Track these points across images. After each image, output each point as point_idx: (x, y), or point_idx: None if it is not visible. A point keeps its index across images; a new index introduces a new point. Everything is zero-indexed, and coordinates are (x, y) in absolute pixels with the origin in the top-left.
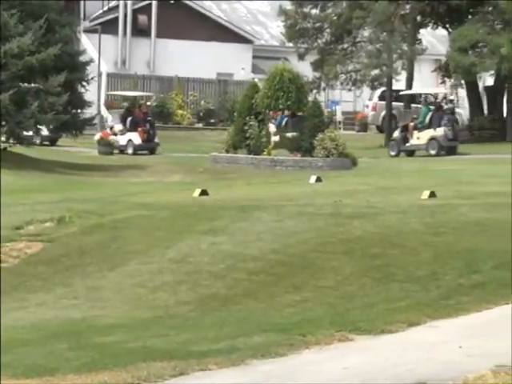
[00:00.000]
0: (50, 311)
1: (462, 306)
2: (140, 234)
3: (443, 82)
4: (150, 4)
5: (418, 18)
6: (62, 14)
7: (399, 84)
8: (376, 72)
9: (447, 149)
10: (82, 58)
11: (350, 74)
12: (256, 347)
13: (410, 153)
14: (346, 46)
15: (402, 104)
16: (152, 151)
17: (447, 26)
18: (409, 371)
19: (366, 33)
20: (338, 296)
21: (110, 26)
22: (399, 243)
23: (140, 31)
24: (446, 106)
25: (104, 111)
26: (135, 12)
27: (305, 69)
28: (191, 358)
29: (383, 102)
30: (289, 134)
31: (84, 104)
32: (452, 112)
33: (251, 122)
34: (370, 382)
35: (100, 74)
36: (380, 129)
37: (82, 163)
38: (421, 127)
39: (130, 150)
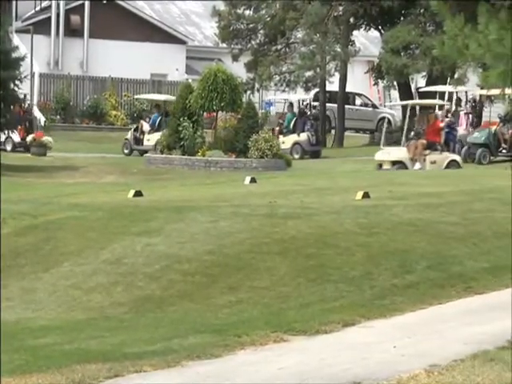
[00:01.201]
0: None
1: (396, 306)
2: (74, 235)
3: (376, 84)
4: (83, 4)
5: (351, 19)
6: None
7: (333, 85)
8: (310, 73)
9: (310, 153)
10: (15, 55)
11: (283, 75)
12: (191, 348)
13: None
14: (279, 47)
15: (335, 105)
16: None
17: (380, 27)
18: (344, 371)
19: (299, 34)
20: (273, 296)
21: (42, 26)
22: (333, 243)
23: (73, 31)
24: (309, 112)
25: (37, 111)
26: (68, 12)
27: (239, 70)
28: (126, 360)
29: (317, 103)
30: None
31: (17, 101)
32: (315, 118)
33: (185, 123)
34: (306, 383)
35: (33, 75)
36: None
37: (14, 164)
38: (286, 132)
39: (8, 147)
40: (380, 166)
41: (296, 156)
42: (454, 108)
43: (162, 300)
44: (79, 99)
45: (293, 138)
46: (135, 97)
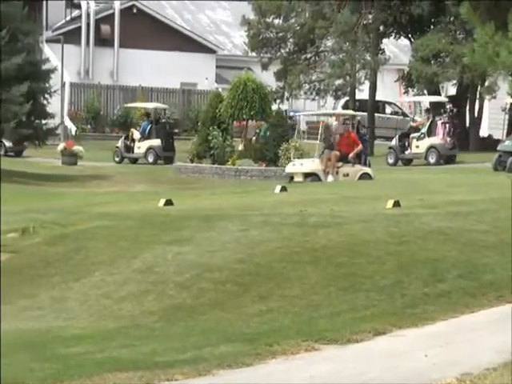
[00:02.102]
0: (15, 322)
1: (427, 315)
2: (104, 245)
3: (406, 92)
4: (113, 14)
5: (381, 28)
6: (25, 22)
7: (362, 94)
8: (339, 82)
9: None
10: (45, 67)
11: (313, 84)
12: (222, 357)
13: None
14: (309, 55)
15: (365, 114)
16: None
17: (410, 35)
18: (375, 380)
19: (329, 43)
20: (304, 305)
21: (72, 36)
22: (364, 252)
23: (103, 41)
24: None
25: (68, 121)
26: (98, 22)
27: (268, 78)
28: (157, 369)
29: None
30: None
31: (46, 115)
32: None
33: (215, 132)
34: None
35: (63, 84)
36: None
37: (45, 173)
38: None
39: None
40: (291, 178)
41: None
42: (431, 118)
43: (192, 309)
44: (109, 108)
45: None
46: (124, 105)
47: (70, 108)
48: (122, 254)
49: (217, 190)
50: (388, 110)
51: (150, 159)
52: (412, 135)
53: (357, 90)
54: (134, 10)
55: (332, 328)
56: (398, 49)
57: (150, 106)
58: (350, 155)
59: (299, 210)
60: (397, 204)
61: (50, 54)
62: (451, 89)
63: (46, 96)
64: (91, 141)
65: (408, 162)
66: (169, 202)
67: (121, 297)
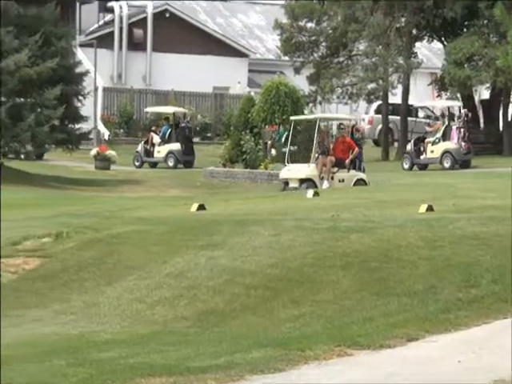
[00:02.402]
0: (48, 327)
1: (460, 321)
2: (137, 249)
3: (439, 96)
4: (146, 18)
5: (414, 31)
6: (58, 25)
7: (395, 97)
8: (372, 86)
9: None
10: (78, 70)
11: (346, 88)
12: (255, 362)
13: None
14: (341, 59)
15: (398, 118)
16: None
17: (443, 39)
18: None
19: (361, 46)
20: (336, 310)
21: (105, 40)
22: (397, 257)
23: (136, 45)
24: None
25: (101, 125)
26: (131, 26)
27: (301, 82)
28: (190, 374)
29: (379, 116)
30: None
31: (80, 119)
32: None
33: (247, 137)
34: None
35: (96, 88)
36: (376, 142)
37: (78, 178)
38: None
39: None
40: (286, 184)
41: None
42: (446, 122)
43: (225, 314)
44: (142, 113)
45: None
46: (145, 110)
47: (103, 112)
48: (155, 259)
49: (249, 195)
50: (421, 113)
51: (170, 163)
52: (427, 140)
53: (389, 94)
54: (167, 14)
55: (364, 333)
56: (430, 52)
57: (170, 110)
58: (347, 160)
59: (331, 215)
60: (430, 208)
61: (83, 58)
62: (484, 92)
63: (80, 98)
64: (124, 145)
65: (424, 166)
66: (201, 207)
67: (153, 301)
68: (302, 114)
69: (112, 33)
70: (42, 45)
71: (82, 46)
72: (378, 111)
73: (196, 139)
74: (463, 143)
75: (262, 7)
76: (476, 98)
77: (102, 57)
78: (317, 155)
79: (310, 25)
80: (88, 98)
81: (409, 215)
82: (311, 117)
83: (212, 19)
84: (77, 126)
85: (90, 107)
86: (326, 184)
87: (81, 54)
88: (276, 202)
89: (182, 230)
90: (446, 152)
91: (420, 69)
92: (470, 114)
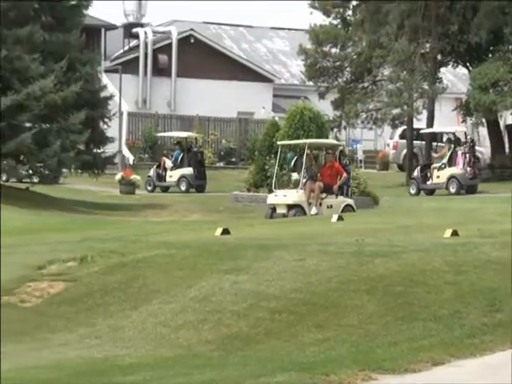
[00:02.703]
0: (73, 351)
1: (485, 345)
2: (162, 273)
3: (464, 121)
4: (171, 44)
5: (439, 56)
6: (83, 51)
7: (420, 123)
8: (397, 111)
9: None
10: (103, 94)
11: (370, 113)
12: None
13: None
14: (366, 84)
15: (423, 142)
16: None
17: (467, 64)
18: None
19: (386, 71)
20: (361, 335)
21: (130, 66)
22: (422, 282)
23: (160, 71)
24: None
25: (125, 150)
26: (155, 52)
27: (325, 107)
28: None
29: (404, 141)
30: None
31: (106, 141)
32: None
33: (271, 161)
34: None
35: (121, 113)
36: (401, 167)
37: (103, 202)
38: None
39: None
40: (273, 209)
41: None
42: (452, 148)
43: (249, 338)
44: (167, 138)
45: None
46: (158, 134)
47: (128, 137)
48: (180, 283)
49: (273, 220)
50: (446, 138)
51: (183, 187)
52: (433, 166)
53: (414, 119)
54: (192, 40)
55: (389, 357)
56: (455, 77)
57: (183, 134)
58: (335, 186)
59: (355, 239)
60: (455, 233)
61: (108, 83)
62: (510, 117)
63: (105, 121)
64: (148, 170)
65: (430, 192)
66: (225, 231)
67: (178, 325)
68: (326, 138)
69: (137, 58)
70: (66, 70)
71: (107, 71)
72: (402, 136)
73: (220, 164)
74: (469, 168)
75: (287, 33)
76: (501, 123)
77: (127, 82)
78: (304, 180)
79: (334, 50)
80: (113, 119)
81: (433, 240)
82: (299, 142)
83: (237, 45)
84: (102, 150)
85: (115, 130)
86: (314, 210)
87: (106, 79)
88: (300, 226)
89: (207, 254)
90: (451, 177)
91: (445, 94)
92: (475, 140)
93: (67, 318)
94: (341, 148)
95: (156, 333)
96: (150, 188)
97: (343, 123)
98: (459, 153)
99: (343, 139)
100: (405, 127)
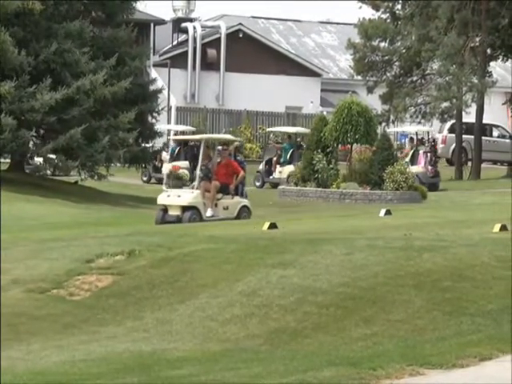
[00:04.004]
0: (121, 344)
1: None
2: (209, 267)
3: None
4: (219, 38)
5: (488, 50)
6: (132, 46)
7: (469, 116)
8: (446, 105)
9: None
10: (152, 88)
11: (419, 107)
12: (326, 381)
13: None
14: (415, 78)
15: (472, 137)
16: None
17: None
18: None
19: (435, 65)
20: (409, 330)
21: (179, 60)
22: (470, 276)
23: (209, 65)
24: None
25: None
26: (204, 46)
27: (373, 102)
28: None
29: (453, 135)
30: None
31: (155, 135)
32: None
33: (319, 156)
34: None
35: (169, 108)
36: (450, 162)
37: (151, 197)
38: (283, 162)
39: None
40: (165, 210)
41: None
42: (414, 147)
43: (296, 332)
44: (215, 132)
45: (289, 168)
46: (156, 126)
47: (177, 132)
48: (227, 277)
49: (321, 214)
50: (495, 133)
51: None
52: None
53: (463, 113)
54: (240, 35)
55: (437, 353)
56: (506, 71)
57: (179, 128)
58: (232, 186)
59: (404, 234)
60: (504, 228)
61: (157, 78)
62: None
63: (154, 115)
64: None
65: None
66: (273, 226)
67: (225, 319)
68: (375, 133)
69: (186, 53)
70: (116, 65)
71: (155, 65)
72: (451, 130)
73: None
74: (430, 167)
75: (335, 27)
76: None
77: (176, 76)
78: (199, 179)
79: (383, 44)
80: (162, 114)
81: (482, 234)
82: (196, 137)
83: (285, 39)
84: (151, 144)
85: (164, 125)
86: (209, 212)
87: (154, 73)
88: (348, 220)
89: (254, 249)
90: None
91: (494, 88)
92: (436, 139)
93: (115, 312)
94: (237, 144)
95: (203, 327)
96: (145, 178)
97: (391, 117)
98: (421, 152)
99: (391, 133)
100: (454, 121)
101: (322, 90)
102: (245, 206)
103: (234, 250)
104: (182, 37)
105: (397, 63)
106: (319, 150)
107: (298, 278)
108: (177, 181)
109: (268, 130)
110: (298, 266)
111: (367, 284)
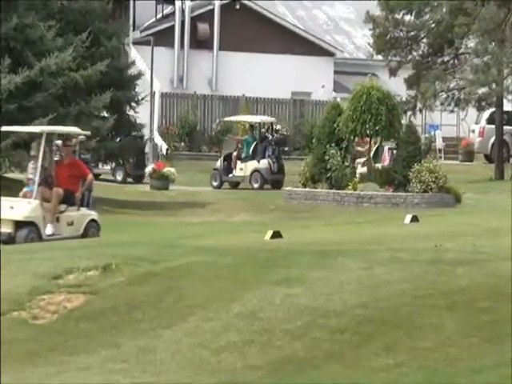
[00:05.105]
0: (95, 376)
1: None
2: (200, 285)
3: None
4: (212, 10)
5: None
6: (109, 21)
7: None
8: (483, 90)
9: (271, 182)
10: (131, 72)
11: (451, 93)
12: None
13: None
14: (446, 58)
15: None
16: None
17: None
18: None
19: (470, 43)
20: (440, 359)
21: (164, 37)
22: None
23: (200, 43)
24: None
25: (157, 138)
26: (194, 20)
27: (397, 86)
28: None
29: (493, 126)
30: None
31: (134, 127)
32: (278, 143)
33: (332, 151)
34: None
35: (153, 95)
36: (489, 158)
37: (130, 200)
38: (244, 158)
39: None
40: None
41: (255, 185)
42: (378, 142)
43: (305, 362)
44: (207, 123)
45: (252, 164)
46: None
47: (161, 123)
48: (221, 297)
49: (334, 220)
50: None
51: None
52: (357, 161)
53: (505, 100)
54: (237, 6)
55: None
56: None
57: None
58: (78, 193)
59: (434, 245)
60: None
61: (138, 58)
62: None
63: (133, 105)
64: (185, 161)
65: None
66: (277, 235)
67: (219, 347)
68: (399, 124)
69: (172, 28)
70: (90, 45)
71: (136, 43)
72: (490, 120)
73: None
74: (393, 164)
75: None
76: None
77: (160, 57)
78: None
79: (408, 18)
80: (143, 104)
81: None
82: (35, 129)
83: (291, 12)
84: (129, 137)
85: (145, 116)
86: (49, 229)
87: (135, 53)
88: (367, 228)
89: (254, 262)
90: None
91: None
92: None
93: (88, 338)
94: (81, 138)
95: (193, 356)
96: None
97: (419, 105)
98: (386, 147)
99: (419, 124)
100: (493, 110)
101: (335, 73)
102: (93, 221)
103: (229, 263)
104: (168, 9)
105: (425, 40)
106: (332, 144)
107: (307, 297)
108: (162, 181)
109: (225, 119)
110: (306, 283)
111: (390, 304)
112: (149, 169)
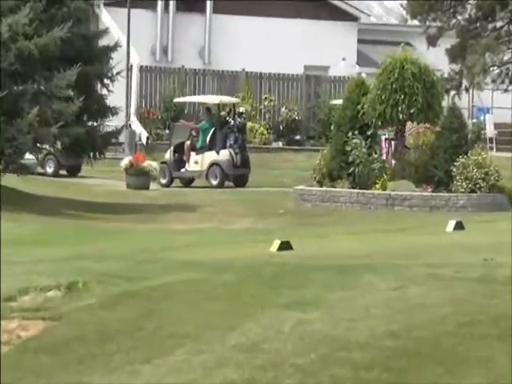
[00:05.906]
0: None
1: None
2: (189, 308)
3: None
4: None
5: None
6: None
7: None
8: None
9: (233, 178)
10: (103, 42)
11: (505, 67)
12: None
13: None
14: (499, 24)
15: None
16: None
17: None
18: None
19: None
20: None
21: None
22: None
23: (189, 4)
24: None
25: (136, 123)
26: None
27: (437, 59)
28: None
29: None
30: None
31: (106, 111)
32: (241, 130)
33: (356, 140)
34: None
35: (129, 68)
36: None
37: (102, 202)
38: (199, 148)
39: None
40: None
41: (214, 182)
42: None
43: None
44: (198, 104)
45: (210, 156)
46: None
47: (140, 104)
48: (216, 323)
49: (358, 227)
50: None
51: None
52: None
53: None
54: None
55: None
56: None
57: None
58: None
59: (483, 259)
60: None
61: (111, 23)
62: None
63: (106, 83)
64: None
65: None
66: (286, 245)
67: None
68: (439, 106)
69: None
70: (48, 4)
71: (108, 5)
72: None
73: (278, 144)
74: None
75: None
76: None
77: (140, 22)
78: None
79: None
80: (118, 81)
81: None
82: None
83: None
84: (100, 123)
85: (121, 96)
86: None
87: (107, 17)
88: (399, 238)
89: (257, 280)
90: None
91: None
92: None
93: (48, 374)
94: None
95: None
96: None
97: (464, 83)
98: (383, 138)
99: (464, 107)
100: None
101: (359, 42)
102: None
103: (226, 281)
104: None
105: (472, 1)
106: (355, 132)
107: (324, 324)
108: (141, 177)
109: (176, 100)
110: (322, 307)
111: (428, 334)
112: (125, 162)
